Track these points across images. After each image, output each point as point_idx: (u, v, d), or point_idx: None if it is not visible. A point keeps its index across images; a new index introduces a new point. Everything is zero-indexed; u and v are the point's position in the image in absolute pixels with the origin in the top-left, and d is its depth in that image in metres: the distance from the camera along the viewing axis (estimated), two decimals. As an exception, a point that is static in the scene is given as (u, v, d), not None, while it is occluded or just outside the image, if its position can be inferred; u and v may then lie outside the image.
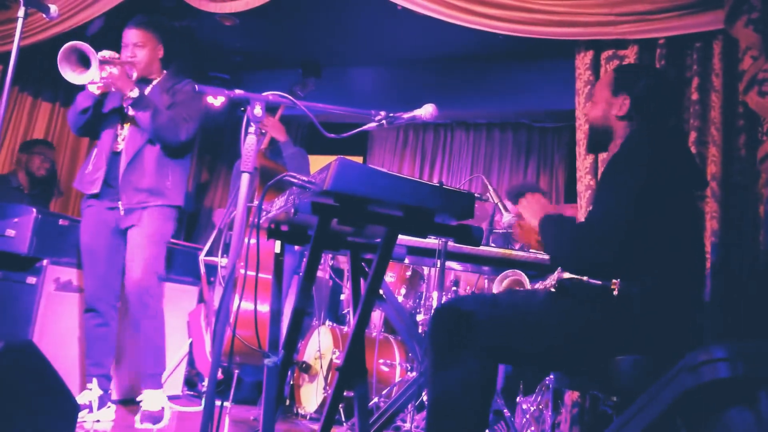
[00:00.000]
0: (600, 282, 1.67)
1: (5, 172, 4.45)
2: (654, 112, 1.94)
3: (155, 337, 2.98)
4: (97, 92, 2.96)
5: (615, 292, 1.65)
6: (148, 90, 3.07)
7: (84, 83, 2.79)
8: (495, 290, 2.89)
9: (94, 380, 2.93)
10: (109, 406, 2.95)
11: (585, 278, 1.69)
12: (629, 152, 1.78)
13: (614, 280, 1.66)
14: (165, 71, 3.17)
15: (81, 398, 2.87)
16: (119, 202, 2.98)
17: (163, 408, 2.87)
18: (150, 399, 2.87)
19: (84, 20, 3.66)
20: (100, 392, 2.92)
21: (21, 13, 2.42)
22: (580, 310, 1.72)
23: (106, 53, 2.86)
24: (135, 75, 3.01)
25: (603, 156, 2.68)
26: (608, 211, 1.70)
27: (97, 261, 2.98)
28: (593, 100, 2.04)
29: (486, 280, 3.52)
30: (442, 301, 2.69)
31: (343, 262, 4.13)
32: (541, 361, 1.92)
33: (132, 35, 3.04)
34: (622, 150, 1.83)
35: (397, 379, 3.58)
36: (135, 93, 2.88)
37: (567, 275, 1.71)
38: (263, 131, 3.68)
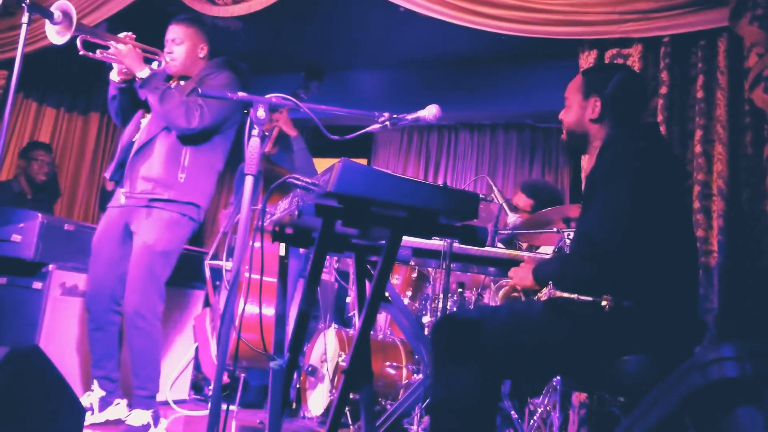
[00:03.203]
0: (591, 298, 1.66)
1: (9, 178, 4.47)
2: (626, 111, 1.93)
3: (147, 357, 2.81)
4: (117, 78, 2.92)
5: (606, 308, 1.64)
6: (183, 83, 2.98)
7: (59, 43, 2.69)
8: (494, 292, 2.88)
9: (96, 382, 2.90)
10: (117, 404, 2.90)
11: (575, 296, 1.68)
12: (611, 161, 1.76)
13: (605, 296, 1.65)
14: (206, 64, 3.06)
15: (83, 400, 2.85)
16: (121, 190, 2.91)
17: (147, 424, 2.76)
18: (136, 416, 2.77)
19: (89, 25, 3.68)
20: (102, 393, 2.87)
21: (25, 19, 2.43)
22: (577, 324, 1.72)
23: (122, 34, 2.84)
24: (162, 64, 2.95)
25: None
26: (606, 224, 1.68)
27: (98, 263, 2.92)
28: (567, 104, 2.02)
29: (492, 282, 3.51)
30: (446, 310, 2.69)
31: (349, 264, 4.12)
32: (542, 370, 1.92)
33: (170, 31, 3.00)
34: (602, 158, 1.81)
35: (404, 381, 3.57)
36: (144, 73, 2.80)
37: (558, 293, 1.71)
38: (275, 125, 3.66)
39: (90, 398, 2.88)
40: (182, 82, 3.01)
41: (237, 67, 3.08)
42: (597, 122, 1.93)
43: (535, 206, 3.37)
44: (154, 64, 2.96)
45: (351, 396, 3.10)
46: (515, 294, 2.85)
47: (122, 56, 2.81)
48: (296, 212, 1.62)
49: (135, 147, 2.92)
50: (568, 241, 2.64)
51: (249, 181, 1.80)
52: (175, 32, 2.99)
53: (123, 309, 2.82)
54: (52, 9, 2.65)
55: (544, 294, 1.76)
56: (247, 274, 3.07)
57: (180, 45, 2.99)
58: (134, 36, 2.90)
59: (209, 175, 3.00)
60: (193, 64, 3.03)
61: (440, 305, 2.75)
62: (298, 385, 3.80)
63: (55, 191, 4.59)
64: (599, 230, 1.68)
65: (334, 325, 3.81)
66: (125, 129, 3.07)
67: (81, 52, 2.80)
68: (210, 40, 3.09)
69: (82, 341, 3.20)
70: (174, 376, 3.69)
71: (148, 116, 3.00)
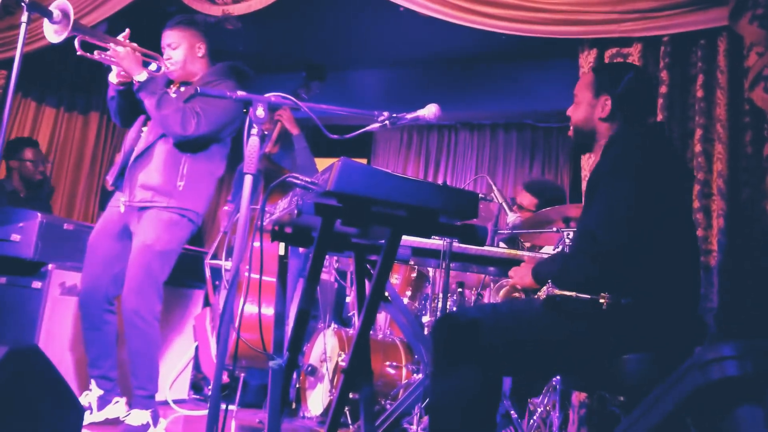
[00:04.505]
0: (589, 296, 1.66)
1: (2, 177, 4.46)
2: (635, 111, 1.93)
3: (145, 357, 2.79)
4: (116, 81, 2.91)
5: (604, 306, 1.64)
6: (183, 90, 2.96)
7: (56, 42, 2.66)
8: (494, 291, 2.88)
9: (93, 381, 2.89)
10: (116, 402, 2.89)
11: (573, 294, 1.68)
12: (615, 159, 1.76)
13: (603, 294, 1.65)
14: (209, 69, 3.02)
15: (82, 400, 2.84)
16: (121, 199, 2.90)
17: (146, 424, 2.75)
18: (135, 416, 2.76)
19: (88, 24, 3.67)
20: (100, 392, 2.87)
21: (24, 18, 2.42)
22: (576, 323, 1.72)
23: (121, 35, 2.83)
24: (162, 69, 2.93)
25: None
26: (608, 222, 1.68)
27: (94, 262, 2.90)
28: (575, 101, 2.02)
29: (492, 281, 3.51)
30: (445, 310, 2.69)
31: (349, 264, 4.12)
32: (542, 369, 1.92)
33: (165, 37, 2.98)
34: (607, 157, 1.82)
35: (403, 381, 3.57)
36: (142, 77, 2.77)
37: (557, 291, 1.71)
38: (277, 119, 3.66)
39: (88, 397, 2.87)
40: (182, 88, 3.00)
41: (241, 74, 3.06)
42: (606, 121, 1.94)
43: (539, 205, 3.36)
44: (152, 66, 2.95)
45: (350, 396, 3.10)
46: (516, 294, 2.85)
47: (120, 59, 2.79)
48: (296, 211, 1.62)
49: (134, 154, 2.91)
50: (568, 241, 2.64)
51: (248, 180, 1.79)
52: (170, 37, 2.97)
53: (121, 308, 2.81)
54: (51, 8, 2.64)
55: (542, 292, 1.75)
56: (246, 274, 3.06)
57: (177, 48, 2.97)
58: (130, 34, 2.89)
59: (208, 182, 2.98)
60: (193, 65, 3.01)
61: (440, 305, 2.74)
62: (297, 385, 3.79)
63: (49, 189, 4.59)
64: (602, 229, 1.68)
65: (333, 325, 3.81)
66: (127, 135, 3.05)
67: (78, 53, 2.78)
68: (207, 39, 3.07)
69: (81, 341, 3.19)
70: (174, 375, 3.68)
71: (149, 125, 2.98)
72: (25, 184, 4.34)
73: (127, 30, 2.88)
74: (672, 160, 1.85)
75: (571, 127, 2.03)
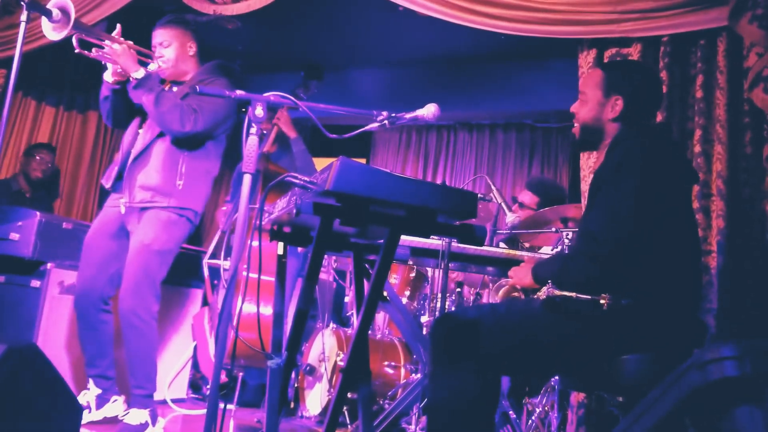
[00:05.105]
0: (589, 297, 1.66)
1: (8, 176, 4.48)
2: (643, 111, 1.92)
3: (143, 356, 2.79)
4: (111, 79, 2.91)
5: (604, 307, 1.64)
6: (176, 89, 2.96)
7: (56, 40, 2.68)
8: (493, 291, 2.88)
9: (91, 380, 2.89)
10: (115, 400, 2.89)
11: (573, 294, 1.68)
12: (620, 160, 1.75)
13: (603, 295, 1.65)
14: (199, 68, 3.04)
15: (80, 399, 2.83)
16: (120, 200, 2.90)
17: (145, 423, 2.75)
18: (133, 415, 2.75)
19: (88, 23, 3.67)
20: (98, 391, 2.87)
21: (24, 17, 2.42)
22: (575, 323, 1.72)
23: (114, 32, 2.83)
24: (156, 67, 2.93)
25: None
26: (610, 223, 1.68)
27: (90, 262, 2.89)
28: (582, 98, 1.98)
29: (491, 281, 3.51)
30: (444, 310, 2.69)
31: (347, 263, 4.11)
32: (541, 369, 1.91)
33: (156, 36, 2.98)
34: (611, 157, 1.81)
35: (402, 381, 3.56)
36: (140, 74, 2.77)
37: (557, 292, 1.70)
38: (275, 122, 3.65)
39: (86, 396, 2.87)
40: (175, 88, 2.99)
41: (231, 72, 3.07)
42: (615, 121, 1.91)
43: (540, 204, 3.37)
44: (151, 66, 2.95)
45: (349, 395, 3.10)
46: (515, 293, 2.85)
47: (117, 56, 2.78)
48: (294, 211, 1.62)
49: (132, 155, 2.91)
50: (566, 241, 2.64)
51: (247, 179, 1.79)
52: (161, 36, 2.97)
53: (118, 308, 2.80)
54: (50, 7, 2.64)
55: (542, 293, 1.75)
56: (245, 273, 3.06)
57: (168, 47, 2.97)
58: (127, 39, 2.88)
59: (206, 180, 2.99)
60: (184, 63, 3.01)
61: (438, 305, 2.74)
62: (296, 385, 3.79)
63: (54, 191, 4.60)
64: (603, 230, 1.68)
65: (332, 325, 3.80)
66: (124, 137, 3.05)
67: (77, 50, 2.79)
68: (197, 38, 3.07)
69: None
70: (172, 375, 3.68)
71: (146, 126, 2.98)
72: (28, 183, 4.37)
73: (119, 26, 2.87)
74: (675, 162, 1.84)
75: (577, 125, 2.00)
